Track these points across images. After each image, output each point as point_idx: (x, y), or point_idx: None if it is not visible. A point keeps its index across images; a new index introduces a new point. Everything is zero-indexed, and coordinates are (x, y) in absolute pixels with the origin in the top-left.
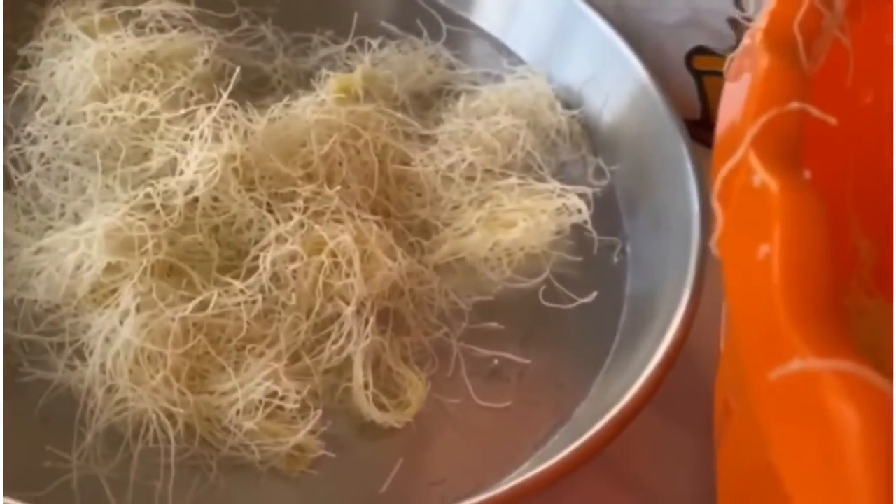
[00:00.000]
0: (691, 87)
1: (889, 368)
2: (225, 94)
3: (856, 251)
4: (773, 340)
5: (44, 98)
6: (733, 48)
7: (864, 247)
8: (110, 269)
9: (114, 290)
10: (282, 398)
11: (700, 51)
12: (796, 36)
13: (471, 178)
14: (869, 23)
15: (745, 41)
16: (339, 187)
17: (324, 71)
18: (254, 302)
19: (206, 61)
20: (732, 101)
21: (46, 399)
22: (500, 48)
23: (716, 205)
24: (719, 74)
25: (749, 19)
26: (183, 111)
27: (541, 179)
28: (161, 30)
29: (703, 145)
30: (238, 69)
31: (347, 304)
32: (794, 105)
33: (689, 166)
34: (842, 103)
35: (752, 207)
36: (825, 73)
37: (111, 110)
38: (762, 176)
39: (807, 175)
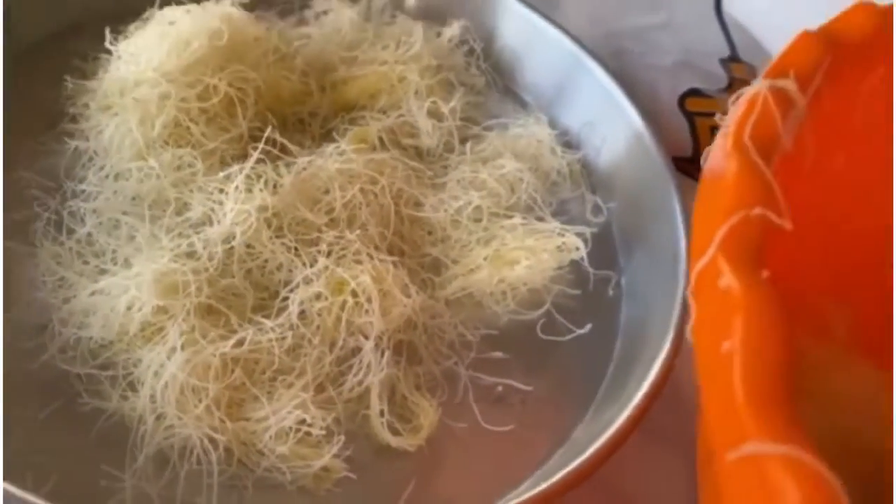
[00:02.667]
0: (683, 127)
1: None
2: (255, 154)
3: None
4: (733, 426)
5: (95, 153)
6: (725, 89)
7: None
8: (158, 310)
9: (161, 329)
10: (309, 425)
11: (693, 93)
12: (751, 143)
13: (477, 220)
14: (833, 101)
15: (719, 139)
16: (358, 231)
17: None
18: (283, 338)
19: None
20: (706, 202)
21: (102, 425)
22: (507, 92)
23: (690, 299)
24: (710, 115)
25: (737, 59)
26: (221, 173)
27: (542, 219)
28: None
29: (694, 180)
30: (269, 128)
31: (367, 338)
32: (757, 210)
33: (676, 206)
34: (815, 170)
35: (718, 306)
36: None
37: (152, 168)
38: (727, 279)
39: (765, 274)
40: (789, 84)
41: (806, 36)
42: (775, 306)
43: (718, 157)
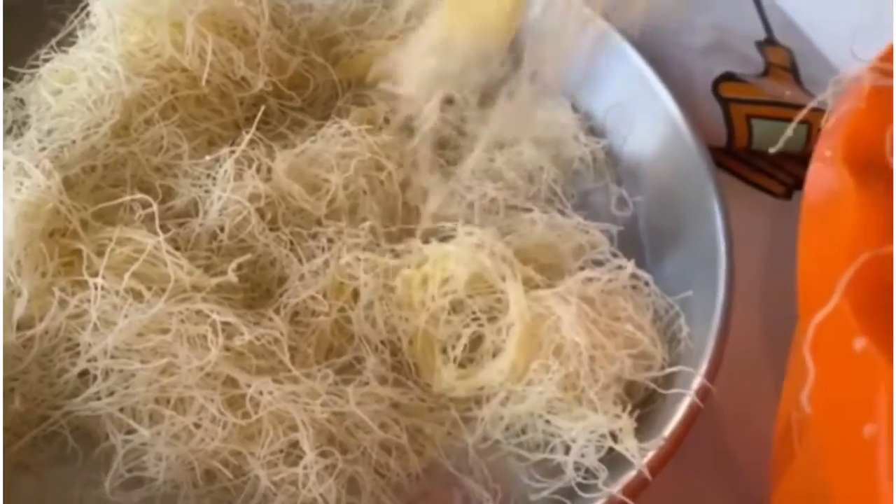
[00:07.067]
0: (717, 114)
1: None
2: (247, 137)
3: None
4: None
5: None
6: (761, 74)
7: None
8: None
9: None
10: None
11: (727, 77)
12: (888, 158)
13: (493, 213)
14: None
15: (825, 152)
16: (362, 225)
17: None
18: (273, 347)
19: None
20: (817, 233)
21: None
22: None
23: (807, 355)
24: (746, 102)
25: (773, 43)
26: (208, 156)
27: (563, 213)
28: None
29: (728, 172)
30: (262, 107)
31: (370, 347)
32: (889, 249)
33: (715, 204)
34: None
35: (853, 375)
36: None
37: (126, 144)
38: (864, 342)
39: None
40: None
41: None
42: None
43: (827, 175)
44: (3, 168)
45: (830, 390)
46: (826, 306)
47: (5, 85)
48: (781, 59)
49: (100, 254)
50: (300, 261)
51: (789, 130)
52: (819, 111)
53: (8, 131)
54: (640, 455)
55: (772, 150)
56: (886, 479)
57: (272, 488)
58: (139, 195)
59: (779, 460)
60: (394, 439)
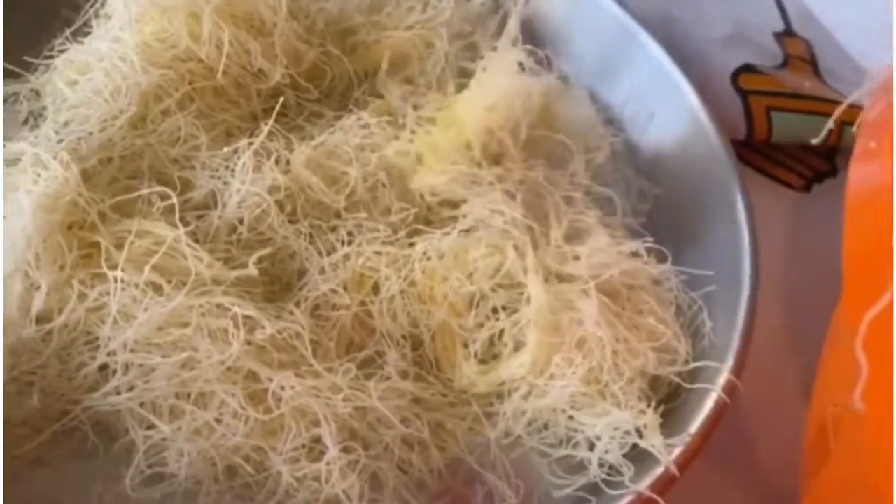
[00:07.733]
0: (737, 107)
1: None
2: (266, 128)
3: None
4: None
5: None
6: (780, 66)
7: None
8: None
9: None
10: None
11: (746, 69)
12: None
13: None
14: None
15: (868, 144)
16: (381, 216)
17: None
18: (294, 341)
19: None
20: (866, 224)
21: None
22: (545, 63)
23: (860, 352)
24: (766, 94)
25: (792, 34)
26: (226, 147)
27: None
28: None
29: (748, 165)
30: (281, 99)
31: (391, 342)
32: None
33: (738, 197)
34: None
35: None
36: None
37: (143, 135)
38: None
39: None
40: None
41: None
42: None
43: (872, 167)
44: (21, 159)
45: (886, 387)
46: (880, 301)
47: (20, 76)
48: (800, 50)
49: (119, 246)
50: (320, 254)
51: (830, 122)
52: (839, 104)
53: (24, 123)
54: (667, 451)
55: (814, 142)
56: None
57: (294, 484)
58: (158, 187)
59: (812, 458)
60: (416, 435)
